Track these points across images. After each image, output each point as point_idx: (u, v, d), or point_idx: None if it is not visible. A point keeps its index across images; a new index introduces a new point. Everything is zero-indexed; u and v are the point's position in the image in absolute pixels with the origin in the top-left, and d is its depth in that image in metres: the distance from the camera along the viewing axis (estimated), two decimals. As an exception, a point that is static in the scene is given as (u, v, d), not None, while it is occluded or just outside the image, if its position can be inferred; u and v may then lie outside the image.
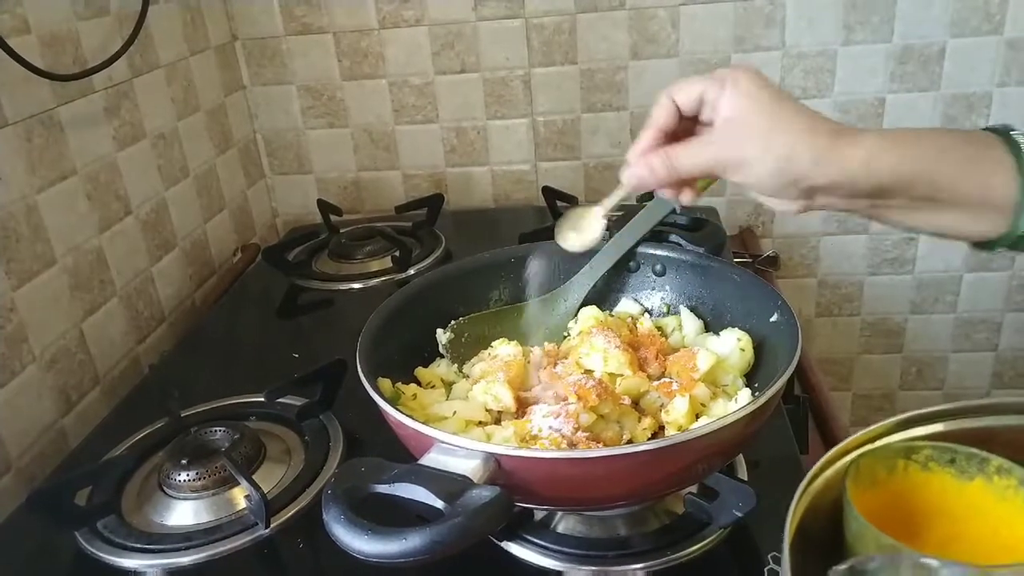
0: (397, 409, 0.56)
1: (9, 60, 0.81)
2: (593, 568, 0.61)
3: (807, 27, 1.24)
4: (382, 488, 0.48)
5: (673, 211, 0.80)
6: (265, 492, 0.66)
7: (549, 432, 0.59)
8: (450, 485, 0.47)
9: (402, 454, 0.57)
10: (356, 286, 1.13)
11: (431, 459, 0.50)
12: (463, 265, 0.82)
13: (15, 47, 0.81)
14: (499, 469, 0.50)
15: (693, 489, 0.64)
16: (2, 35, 0.80)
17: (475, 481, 0.47)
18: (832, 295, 1.43)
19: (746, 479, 0.67)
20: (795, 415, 0.79)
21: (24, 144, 0.86)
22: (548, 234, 1.16)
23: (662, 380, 0.67)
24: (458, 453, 0.50)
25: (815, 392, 0.97)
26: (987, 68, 1.24)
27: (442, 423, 0.63)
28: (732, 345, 0.67)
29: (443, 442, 0.51)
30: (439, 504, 0.46)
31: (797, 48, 1.26)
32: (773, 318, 0.66)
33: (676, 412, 0.62)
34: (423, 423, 0.55)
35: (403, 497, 0.48)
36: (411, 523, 0.45)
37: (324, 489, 0.48)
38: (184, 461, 0.71)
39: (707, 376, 0.65)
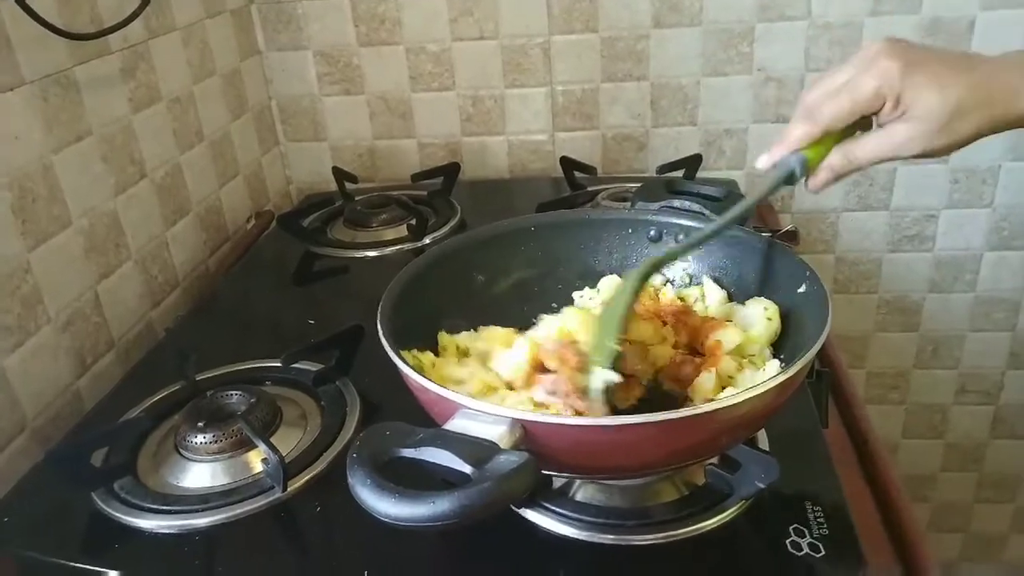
0: (421, 374, 0.56)
1: (25, 18, 0.80)
2: (612, 536, 0.61)
3: (834, -4, 1.22)
4: (408, 452, 0.47)
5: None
6: (283, 455, 0.66)
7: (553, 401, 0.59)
8: (478, 450, 0.46)
9: (419, 421, 0.56)
10: (371, 254, 1.13)
11: (456, 424, 0.50)
12: (483, 232, 0.81)
13: (31, 4, 0.80)
14: (525, 435, 0.49)
15: (714, 460, 0.63)
16: (18, -9, 0.79)
17: (502, 447, 0.47)
18: (850, 272, 1.42)
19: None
20: (816, 389, 0.78)
21: (41, 104, 0.85)
22: (565, 204, 1.16)
23: (687, 356, 0.66)
24: (483, 419, 0.49)
25: (834, 367, 0.96)
26: (1018, 42, 1.21)
27: (460, 386, 0.63)
28: (759, 315, 0.67)
29: (468, 407, 0.51)
30: (467, 469, 0.45)
31: (824, 18, 1.23)
32: (801, 289, 0.65)
33: (703, 387, 0.61)
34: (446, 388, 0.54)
35: (429, 461, 0.47)
36: (435, 488, 0.45)
37: (348, 452, 0.48)
38: (201, 424, 0.70)
39: (733, 350, 0.64)
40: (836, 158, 0.63)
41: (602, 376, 0.58)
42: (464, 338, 0.72)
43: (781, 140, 0.64)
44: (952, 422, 1.54)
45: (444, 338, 0.72)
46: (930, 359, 1.48)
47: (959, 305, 1.42)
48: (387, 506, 0.44)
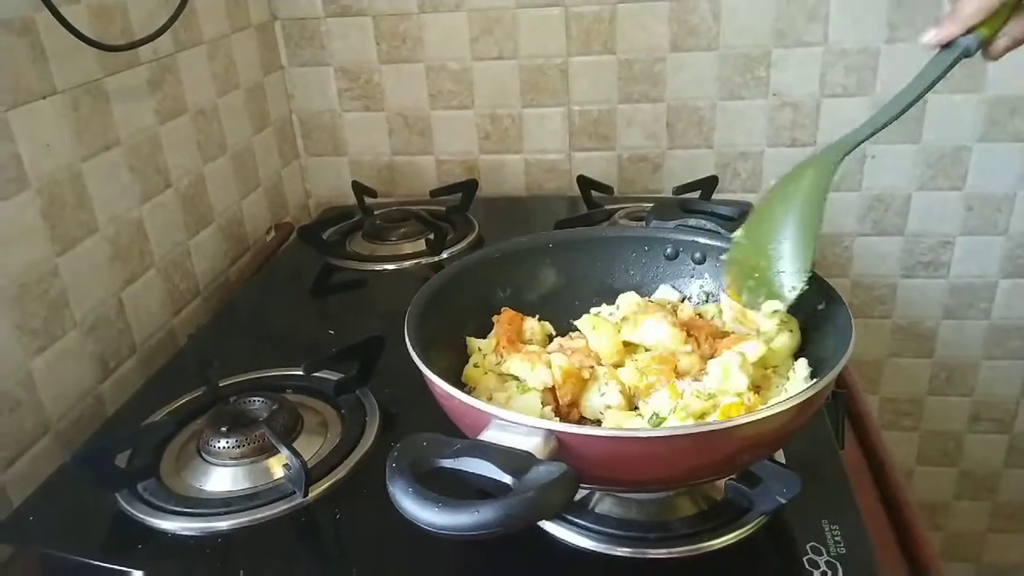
0: (449, 383, 0.56)
1: (59, 28, 0.82)
2: (630, 550, 0.61)
3: (851, 23, 1.23)
4: (447, 463, 0.48)
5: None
6: (305, 460, 0.66)
7: None
8: (516, 461, 0.46)
9: (440, 431, 0.56)
10: (389, 267, 1.14)
11: (490, 436, 0.50)
12: (503, 248, 0.82)
13: (66, 15, 0.82)
14: (559, 447, 0.49)
15: (733, 475, 0.63)
16: (54, 2, 0.80)
17: (539, 458, 0.47)
18: (865, 296, 1.42)
19: (786, 470, 0.67)
20: (832, 410, 0.79)
21: (71, 113, 0.87)
22: (583, 223, 1.16)
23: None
24: (518, 430, 0.50)
25: (849, 389, 0.96)
26: (1033, 69, 1.23)
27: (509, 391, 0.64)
28: (778, 328, 0.67)
29: (502, 419, 0.51)
30: (507, 479, 0.45)
31: (840, 45, 1.25)
32: (820, 306, 0.66)
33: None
34: (476, 397, 0.55)
35: (468, 472, 0.47)
36: (471, 498, 0.45)
37: (388, 462, 0.48)
38: (223, 428, 0.71)
39: (757, 362, 0.65)
40: (1019, 27, 0.58)
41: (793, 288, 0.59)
42: (487, 344, 0.73)
43: (953, 15, 0.59)
44: (966, 450, 1.53)
45: (472, 343, 0.73)
46: (944, 386, 1.48)
47: (974, 332, 1.42)
48: (430, 515, 0.44)
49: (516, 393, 0.65)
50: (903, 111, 0.63)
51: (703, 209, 0.88)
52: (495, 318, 0.75)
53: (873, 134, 0.65)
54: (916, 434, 1.53)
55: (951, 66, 0.61)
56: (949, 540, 1.61)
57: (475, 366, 0.71)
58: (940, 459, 1.54)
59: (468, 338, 0.74)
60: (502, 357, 0.69)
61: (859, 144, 0.67)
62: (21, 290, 0.79)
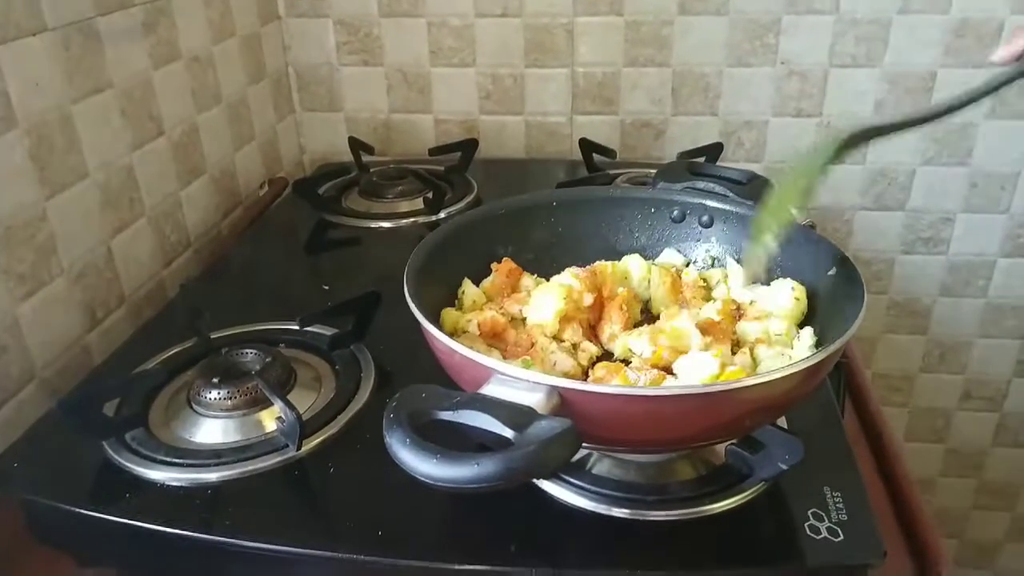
0: (449, 336, 0.55)
1: (50, -39, 0.79)
2: (628, 511, 0.60)
3: (864, -9, 1.21)
4: (446, 415, 0.46)
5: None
6: (300, 413, 0.65)
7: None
8: (517, 415, 0.45)
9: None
10: (385, 225, 1.11)
11: (490, 390, 0.49)
12: (505, 204, 0.80)
13: (57, -52, 0.79)
14: (561, 403, 0.48)
15: (735, 440, 0.62)
16: (45, -67, 0.77)
17: (541, 413, 0.46)
18: (862, 271, 1.38)
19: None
20: (835, 379, 0.78)
21: (62, 52, 0.84)
22: (582, 185, 1.14)
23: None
24: (519, 385, 0.48)
25: (849, 360, 0.96)
26: (1045, 46, 1.20)
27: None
28: (786, 294, 0.66)
29: (503, 373, 0.50)
30: (508, 433, 0.44)
31: (851, 14, 1.22)
32: (831, 271, 0.64)
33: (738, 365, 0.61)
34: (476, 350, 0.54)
35: (468, 425, 0.46)
36: (470, 452, 0.44)
37: (385, 413, 0.46)
38: (215, 380, 0.69)
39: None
40: None
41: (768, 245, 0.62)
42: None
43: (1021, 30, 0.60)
44: (954, 428, 1.54)
45: (467, 285, 0.72)
46: (937, 363, 1.48)
47: (969, 310, 1.42)
48: (429, 467, 0.43)
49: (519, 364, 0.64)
50: (957, 107, 0.63)
51: (711, 172, 0.86)
52: (494, 266, 0.73)
53: (900, 128, 0.65)
54: (906, 410, 1.53)
55: (1008, 81, 0.60)
56: (934, 516, 1.62)
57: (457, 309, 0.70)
58: (928, 436, 1.55)
59: (465, 280, 0.73)
60: (502, 307, 0.68)
61: (881, 133, 0.67)
62: (8, 233, 0.77)
